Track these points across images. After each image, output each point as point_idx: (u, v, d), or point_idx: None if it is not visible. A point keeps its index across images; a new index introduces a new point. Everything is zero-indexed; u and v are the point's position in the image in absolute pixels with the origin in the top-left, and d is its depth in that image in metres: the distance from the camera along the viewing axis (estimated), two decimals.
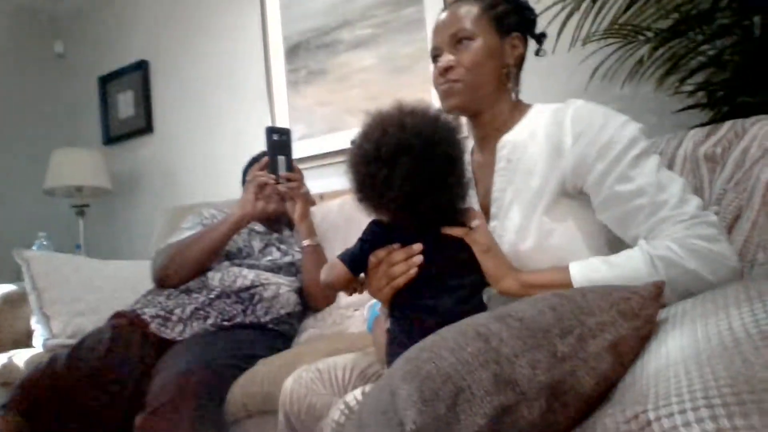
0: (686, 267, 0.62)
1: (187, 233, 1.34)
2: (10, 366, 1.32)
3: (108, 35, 2.64)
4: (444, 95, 0.80)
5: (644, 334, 0.53)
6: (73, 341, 1.14)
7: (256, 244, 1.36)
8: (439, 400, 0.40)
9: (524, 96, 0.87)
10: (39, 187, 2.27)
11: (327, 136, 1.97)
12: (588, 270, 0.67)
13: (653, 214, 0.66)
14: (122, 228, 2.61)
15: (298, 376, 0.77)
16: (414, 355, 0.46)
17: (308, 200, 1.32)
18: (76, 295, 1.50)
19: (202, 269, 1.26)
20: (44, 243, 2.05)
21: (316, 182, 1.96)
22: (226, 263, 1.29)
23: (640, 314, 0.53)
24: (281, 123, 2.07)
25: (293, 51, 2.06)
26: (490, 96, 0.80)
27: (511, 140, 0.79)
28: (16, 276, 1.53)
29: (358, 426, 0.46)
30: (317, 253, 1.32)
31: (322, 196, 1.79)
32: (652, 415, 0.39)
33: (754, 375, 0.36)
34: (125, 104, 2.57)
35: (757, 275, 0.68)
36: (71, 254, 1.99)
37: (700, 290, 0.60)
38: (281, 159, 1.25)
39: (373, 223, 0.74)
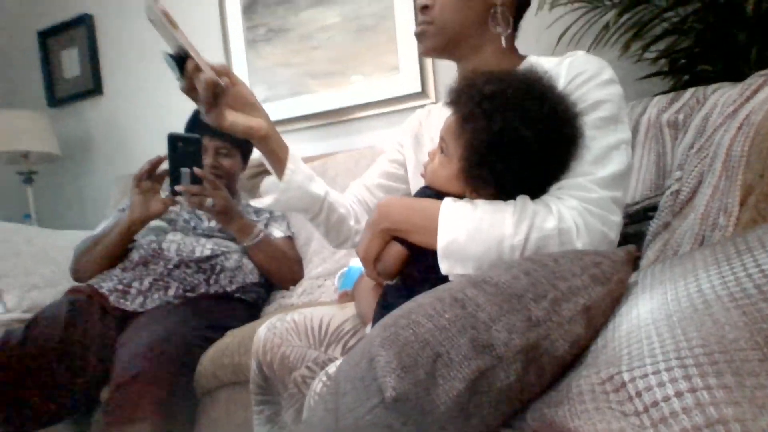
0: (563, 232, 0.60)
1: (104, 223, 1.32)
2: None
3: None
4: (418, 38, 0.76)
5: (615, 297, 0.54)
6: (28, 316, 1.09)
7: (204, 215, 1.31)
8: (418, 366, 0.40)
9: None
10: None
11: (290, 100, 1.90)
12: (457, 206, 0.63)
13: (575, 175, 0.63)
14: (75, 196, 2.48)
15: (272, 325, 0.76)
16: (391, 321, 0.45)
17: (224, 209, 1.16)
18: (30, 268, 1.43)
19: (108, 267, 1.22)
20: None
21: None
22: (179, 235, 1.24)
23: (611, 278, 0.54)
24: None
25: (251, 7, 1.95)
26: (472, 40, 0.75)
27: None
28: None
29: (335, 392, 0.46)
30: (260, 248, 1.26)
31: None
32: (626, 376, 0.40)
33: (725, 335, 0.37)
34: (70, 62, 2.39)
35: (717, 238, 0.71)
36: (20, 224, 1.87)
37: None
38: (185, 171, 1.10)
39: (426, 188, 0.70)
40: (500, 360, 0.45)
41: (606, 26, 1.27)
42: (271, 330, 0.75)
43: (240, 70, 1.98)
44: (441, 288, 0.52)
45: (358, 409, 0.42)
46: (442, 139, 0.68)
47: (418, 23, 0.75)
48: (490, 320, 0.47)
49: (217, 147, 1.31)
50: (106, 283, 1.14)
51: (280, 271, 1.29)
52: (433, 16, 0.73)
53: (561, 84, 0.67)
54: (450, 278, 0.63)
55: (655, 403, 0.36)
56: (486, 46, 0.76)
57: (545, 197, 0.63)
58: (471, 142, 0.61)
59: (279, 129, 2.03)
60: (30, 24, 2.45)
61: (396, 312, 0.48)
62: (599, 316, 0.52)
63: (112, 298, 1.10)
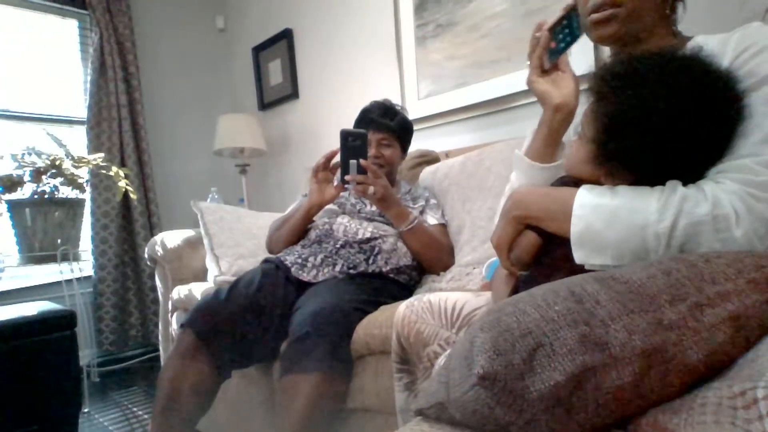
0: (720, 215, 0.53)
1: (291, 207, 1.57)
2: (189, 296, 1.63)
3: (259, 7, 2.89)
4: (599, 23, 0.71)
5: None
6: (234, 279, 1.37)
7: (368, 201, 1.43)
8: (515, 351, 0.41)
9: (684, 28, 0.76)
10: (211, 148, 2.66)
11: (453, 93, 1.94)
12: (595, 192, 0.59)
13: (739, 156, 0.56)
14: (275, 184, 2.94)
15: (410, 303, 0.83)
16: (498, 307, 0.47)
17: (383, 196, 1.27)
18: (239, 241, 1.76)
19: (293, 243, 1.44)
20: (215, 196, 2.43)
21: (442, 140, 1.97)
22: (347, 218, 1.40)
23: None
24: (408, 81, 2.09)
25: (422, 5, 2.04)
26: (650, 26, 0.71)
27: None
28: (195, 223, 1.86)
29: (447, 368, 0.50)
30: (414, 233, 1.34)
31: (447, 154, 1.79)
32: (761, 393, 0.36)
33: None
34: (275, 72, 2.83)
35: None
36: (235, 206, 2.32)
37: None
38: (353, 163, 1.24)
39: (564, 177, 0.71)
40: (614, 360, 0.43)
41: None
42: (409, 307, 0.82)
43: (409, 67, 2.10)
44: (561, 281, 0.51)
45: (462, 385, 0.45)
46: (580, 125, 0.66)
47: (599, 6, 0.71)
48: (609, 318, 0.45)
49: (379, 139, 1.45)
50: (290, 257, 1.35)
51: (431, 256, 1.36)
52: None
53: (727, 60, 0.59)
54: (587, 268, 0.60)
55: None
56: (660, 32, 0.72)
57: (701, 182, 0.57)
58: (602, 121, 0.59)
59: (443, 120, 2.09)
60: (247, 42, 2.98)
61: (508, 299, 0.50)
62: (754, 327, 0.46)
63: (293, 270, 1.31)
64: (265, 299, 1.22)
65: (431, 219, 1.45)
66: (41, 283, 2.32)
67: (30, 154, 1.86)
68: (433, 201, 1.50)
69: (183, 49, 2.97)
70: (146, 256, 1.88)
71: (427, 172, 1.64)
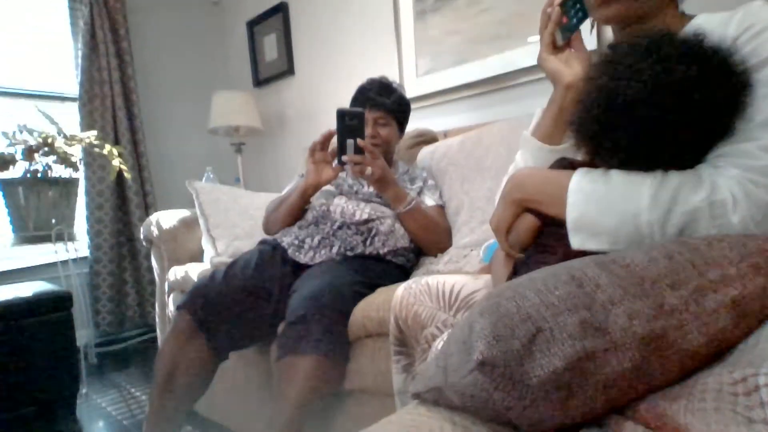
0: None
1: (288, 187, 1.55)
2: (186, 277, 1.62)
3: None
4: (603, 3, 0.69)
5: None
6: (231, 260, 1.36)
7: (365, 181, 1.42)
8: (514, 337, 0.40)
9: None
10: (205, 126, 2.62)
11: (452, 70, 1.90)
12: (589, 177, 0.60)
13: (739, 140, 0.55)
14: (271, 164, 2.91)
15: (408, 286, 0.83)
16: (498, 292, 0.46)
17: (381, 177, 1.26)
18: (235, 222, 1.74)
19: (289, 224, 1.41)
20: (210, 176, 2.40)
21: (440, 119, 1.95)
22: (344, 199, 1.38)
23: None
24: (407, 57, 2.05)
25: None
26: (655, 5, 0.69)
27: None
28: (190, 203, 1.84)
29: (444, 352, 0.49)
30: (411, 215, 1.33)
31: (446, 134, 1.77)
32: (762, 380, 0.35)
33: None
34: (270, 47, 2.77)
35: None
36: (232, 186, 2.29)
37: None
38: (350, 142, 1.22)
39: (563, 159, 0.71)
40: (613, 344, 0.42)
41: None
42: (407, 290, 0.81)
43: (407, 43, 2.05)
44: (561, 264, 0.50)
45: (460, 370, 0.45)
46: None
47: None
48: (610, 303, 0.45)
49: (376, 117, 1.42)
50: (287, 238, 1.34)
51: (428, 238, 1.35)
52: None
53: (729, 40, 0.57)
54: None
55: None
56: (665, 11, 0.70)
57: (700, 167, 0.56)
58: (580, 101, 0.61)
59: (442, 99, 2.05)
60: (241, 16, 2.90)
61: (507, 283, 0.49)
62: (755, 312, 0.45)
63: (289, 251, 1.30)
64: (262, 281, 1.21)
65: (429, 200, 1.44)
66: (36, 264, 2.31)
67: (21, 132, 1.82)
68: (431, 182, 1.49)
69: (176, 23, 2.90)
70: (142, 236, 1.87)
71: (425, 152, 1.62)
